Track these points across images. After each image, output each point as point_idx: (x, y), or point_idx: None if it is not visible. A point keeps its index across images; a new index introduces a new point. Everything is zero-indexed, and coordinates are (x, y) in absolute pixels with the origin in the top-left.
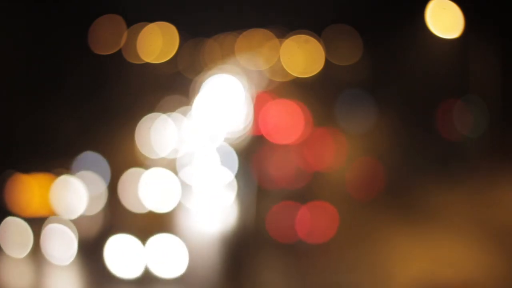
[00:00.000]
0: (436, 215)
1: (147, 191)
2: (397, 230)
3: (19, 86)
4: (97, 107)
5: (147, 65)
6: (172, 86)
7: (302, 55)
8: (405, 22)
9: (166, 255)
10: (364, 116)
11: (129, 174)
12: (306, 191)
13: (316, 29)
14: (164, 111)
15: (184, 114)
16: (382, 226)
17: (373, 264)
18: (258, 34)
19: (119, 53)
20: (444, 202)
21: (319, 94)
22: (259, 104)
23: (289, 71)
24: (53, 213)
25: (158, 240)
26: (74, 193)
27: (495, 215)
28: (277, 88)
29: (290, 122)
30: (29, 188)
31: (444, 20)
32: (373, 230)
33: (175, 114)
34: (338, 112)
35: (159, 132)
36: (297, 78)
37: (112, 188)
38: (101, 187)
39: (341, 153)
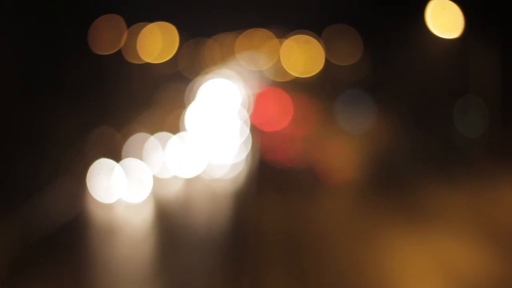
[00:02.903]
0: (436, 215)
1: None
2: (397, 231)
3: (19, 86)
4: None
5: (147, 65)
6: (171, 86)
7: (302, 55)
8: (405, 22)
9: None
10: (364, 116)
11: None
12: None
13: (316, 29)
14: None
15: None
16: (382, 227)
17: (372, 265)
18: (258, 34)
19: (119, 53)
20: (444, 202)
21: (319, 94)
22: (258, 105)
23: (289, 71)
24: None
25: None
26: None
27: (495, 215)
28: (276, 88)
29: (282, 111)
30: None
31: (444, 20)
32: (373, 232)
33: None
34: (338, 112)
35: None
36: (297, 78)
37: None
38: None
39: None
